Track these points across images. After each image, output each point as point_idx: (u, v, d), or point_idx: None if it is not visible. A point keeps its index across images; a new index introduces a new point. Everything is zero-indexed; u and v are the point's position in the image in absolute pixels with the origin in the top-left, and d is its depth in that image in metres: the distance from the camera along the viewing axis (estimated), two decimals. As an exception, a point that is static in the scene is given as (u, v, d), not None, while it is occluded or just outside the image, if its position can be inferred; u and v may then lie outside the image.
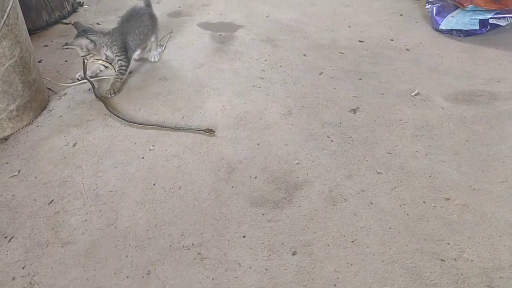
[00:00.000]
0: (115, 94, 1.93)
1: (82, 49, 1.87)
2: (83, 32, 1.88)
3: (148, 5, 2.20)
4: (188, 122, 1.73)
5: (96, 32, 1.90)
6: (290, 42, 2.40)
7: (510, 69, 2.04)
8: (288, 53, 2.27)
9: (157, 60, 2.22)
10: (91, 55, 1.93)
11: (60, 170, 1.50)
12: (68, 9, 2.81)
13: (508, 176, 1.43)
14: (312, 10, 2.88)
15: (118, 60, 1.95)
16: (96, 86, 1.95)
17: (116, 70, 1.96)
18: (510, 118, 1.69)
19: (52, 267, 1.17)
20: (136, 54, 2.20)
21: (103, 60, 1.98)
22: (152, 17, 2.16)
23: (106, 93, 1.92)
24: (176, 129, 1.69)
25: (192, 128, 1.69)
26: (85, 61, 1.97)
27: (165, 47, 2.38)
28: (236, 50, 2.33)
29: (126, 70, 1.97)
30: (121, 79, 1.96)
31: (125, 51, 1.96)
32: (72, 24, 1.89)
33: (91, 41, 1.87)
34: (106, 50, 1.93)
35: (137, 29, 2.02)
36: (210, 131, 1.66)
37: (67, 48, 1.90)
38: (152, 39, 2.19)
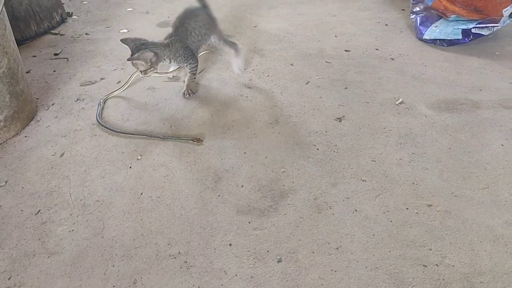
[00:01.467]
0: (193, 93, 2.01)
1: (147, 62, 1.78)
2: (142, 45, 1.78)
3: (205, 5, 2.08)
4: (176, 132, 1.75)
5: (155, 44, 1.83)
6: (278, 51, 2.43)
7: (492, 78, 2.09)
8: (276, 63, 2.30)
9: (238, 70, 2.16)
10: (152, 69, 1.83)
11: (47, 180, 1.50)
12: (57, 20, 2.82)
13: (489, 182, 1.46)
14: (300, 20, 2.92)
15: (187, 64, 1.93)
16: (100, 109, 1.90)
17: (188, 72, 1.98)
18: (491, 126, 1.73)
19: (38, 277, 1.17)
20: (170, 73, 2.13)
21: (160, 73, 1.97)
22: (211, 15, 2.05)
23: (183, 94, 2.00)
24: (164, 138, 1.70)
25: (180, 137, 1.70)
26: (143, 76, 1.87)
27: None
28: (223, 59, 2.35)
29: (197, 69, 1.99)
30: (194, 78, 2.01)
31: (191, 54, 1.93)
32: (121, 41, 1.82)
33: (155, 53, 1.79)
34: (170, 63, 1.90)
35: (193, 30, 1.92)
36: (198, 140, 1.67)
37: (132, 62, 1.79)
38: (213, 40, 2.06)
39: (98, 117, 1.82)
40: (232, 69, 2.19)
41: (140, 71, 1.83)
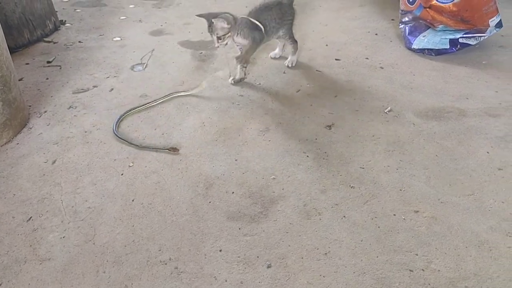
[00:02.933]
0: (246, 65, 2.16)
1: (228, 24, 1.94)
2: (222, 13, 1.96)
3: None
4: (168, 139, 1.77)
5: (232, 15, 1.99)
6: (270, 60, 2.47)
7: (479, 87, 2.14)
8: (267, 71, 2.33)
9: (291, 65, 2.35)
10: (229, 34, 1.99)
11: (39, 187, 1.51)
12: (50, 28, 2.84)
13: (475, 189, 1.49)
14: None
15: (248, 41, 2.05)
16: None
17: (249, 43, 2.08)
18: (477, 134, 1.77)
19: (29, 284, 1.18)
20: (274, 53, 2.45)
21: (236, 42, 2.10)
22: (283, 10, 2.16)
23: (237, 58, 2.12)
24: (141, 147, 1.71)
25: (157, 147, 1.71)
26: (218, 45, 2.02)
27: (146, 65, 2.42)
28: (216, 68, 2.38)
29: (256, 45, 2.09)
30: (252, 52, 2.12)
31: (256, 31, 2.05)
32: (197, 16, 2.01)
33: (234, 18, 1.97)
34: (237, 36, 2.03)
35: (264, 22, 2.07)
36: (174, 150, 1.69)
37: (211, 23, 1.94)
38: (281, 33, 2.21)
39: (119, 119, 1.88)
40: (285, 62, 2.37)
41: (217, 38, 1.98)
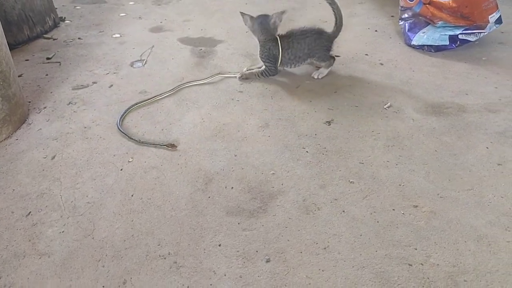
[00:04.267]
0: (243, 79, 2.20)
1: (246, 23, 2.13)
2: (263, 16, 2.10)
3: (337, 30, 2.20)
4: (168, 135, 1.77)
5: (270, 27, 2.10)
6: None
7: (478, 82, 2.13)
8: (267, 67, 2.33)
9: (317, 77, 2.20)
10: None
11: (38, 182, 1.51)
12: (50, 24, 2.84)
13: (474, 184, 1.49)
14: (291, 25, 2.94)
15: (264, 63, 2.15)
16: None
17: (260, 69, 2.18)
18: (476, 129, 1.77)
19: (28, 278, 1.18)
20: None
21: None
22: (321, 40, 2.14)
23: (240, 76, 2.19)
24: (140, 142, 1.71)
25: (156, 143, 1.71)
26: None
27: (145, 61, 2.42)
28: (215, 64, 2.38)
29: (266, 75, 2.18)
30: (258, 77, 2.19)
31: (273, 61, 2.13)
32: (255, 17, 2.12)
33: (262, 28, 2.09)
34: (259, 49, 2.15)
35: (290, 49, 2.10)
36: (172, 146, 1.69)
37: (243, 15, 2.10)
38: (310, 61, 2.19)
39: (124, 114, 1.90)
40: (313, 73, 2.22)
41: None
